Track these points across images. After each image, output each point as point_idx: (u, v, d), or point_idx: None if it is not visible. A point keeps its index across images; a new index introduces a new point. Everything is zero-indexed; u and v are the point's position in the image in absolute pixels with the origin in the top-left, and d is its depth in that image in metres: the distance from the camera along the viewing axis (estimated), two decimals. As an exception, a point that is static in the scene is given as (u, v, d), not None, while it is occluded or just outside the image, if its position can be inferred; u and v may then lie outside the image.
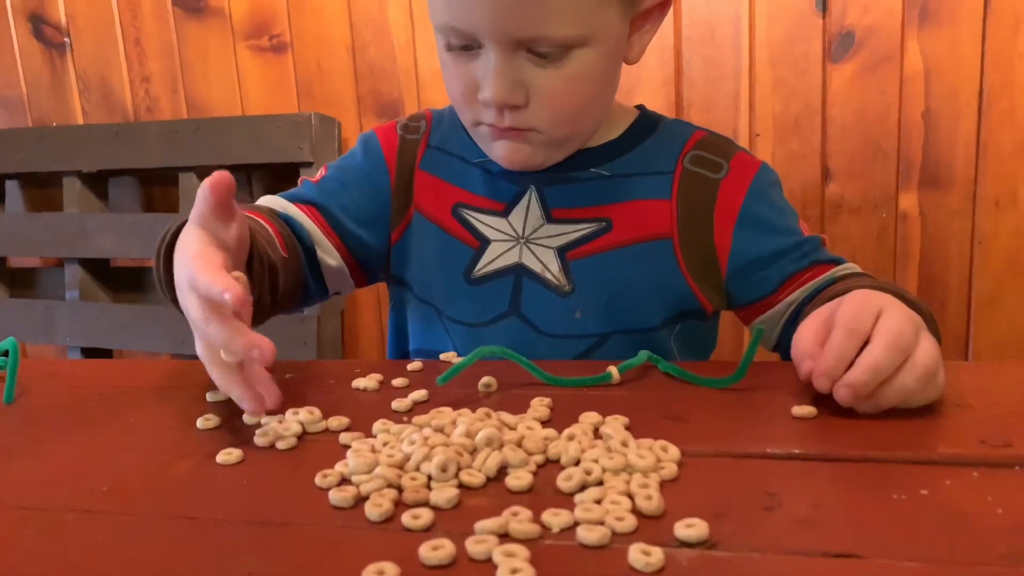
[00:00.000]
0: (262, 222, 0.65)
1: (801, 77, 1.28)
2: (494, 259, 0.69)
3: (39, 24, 1.66)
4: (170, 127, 1.56)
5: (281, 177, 1.58)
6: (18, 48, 1.69)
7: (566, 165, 0.69)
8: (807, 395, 0.50)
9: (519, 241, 0.69)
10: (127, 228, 1.58)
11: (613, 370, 0.55)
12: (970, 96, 1.22)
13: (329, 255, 0.73)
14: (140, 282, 1.66)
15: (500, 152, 0.66)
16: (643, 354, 0.57)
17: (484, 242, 0.70)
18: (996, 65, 1.20)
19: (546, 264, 0.68)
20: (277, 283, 0.62)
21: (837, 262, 0.69)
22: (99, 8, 1.61)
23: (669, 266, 0.68)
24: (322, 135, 1.47)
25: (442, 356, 0.65)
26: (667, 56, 1.32)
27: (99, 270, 1.64)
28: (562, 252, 0.68)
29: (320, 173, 0.77)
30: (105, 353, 1.64)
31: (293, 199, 0.73)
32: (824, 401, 0.48)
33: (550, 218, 0.69)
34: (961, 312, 1.27)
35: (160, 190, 1.67)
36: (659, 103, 1.33)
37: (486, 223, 0.70)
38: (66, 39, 1.65)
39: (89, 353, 1.63)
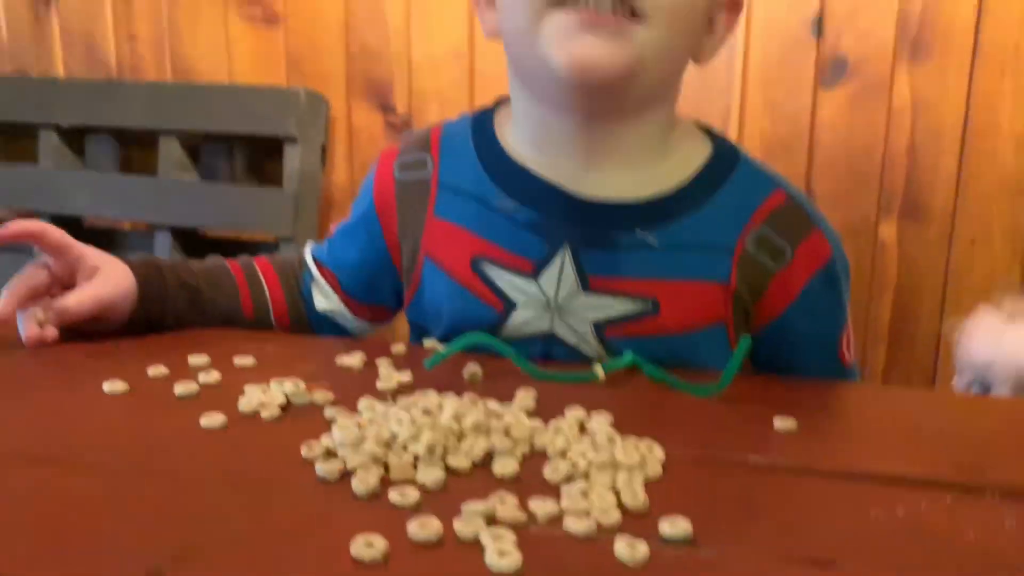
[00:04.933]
0: (234, 280, 0.71)
1: (792, 99, 1.30)
2: (521, 324, 0.63)
3: (27, -30, 1.62)
4: (154, 88, 1.54)
5: (263, 150, 1.56)
6: (3, -7, 1.65)
7: (608, 221, 0.61)
8: (788, 408, 0.51)
9: (550, 308, 0.62)
10: (102, 187, 1.55)
11: (599, 369, 0.56)
12: (954, 135, 1.25)
13: (328, 299, 0.73)
14: (112, 242, 1.63)
15: (578, 47, 0.54)
16: (628, 355, 0.57)
17: (509, 305, 0.62)
18: (981, 106, 1.23)
19: (582, 336, 0.61)
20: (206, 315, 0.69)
21: None
22: (89, -40, 1.58)
23: (721, 351, 0.60)
24: (309, 111, 1.45)
25: (426, 343, 0.65)
26: (663, 66, 1.33)
27: (70, 228, 1.59)
28: (599, 327, 0.61)
29: (332, 228, 0.76)
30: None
31: (316, 257, 0.74)
32: (805, 415, 0.49)
33: (586, 286, 0.61)
34: (930, 345, 1.29)
35: (139, 152, 1.64)
36: (651, 112, 1.34)
37: (512, 283, 0.62)
38: (54, -11, 1.61)
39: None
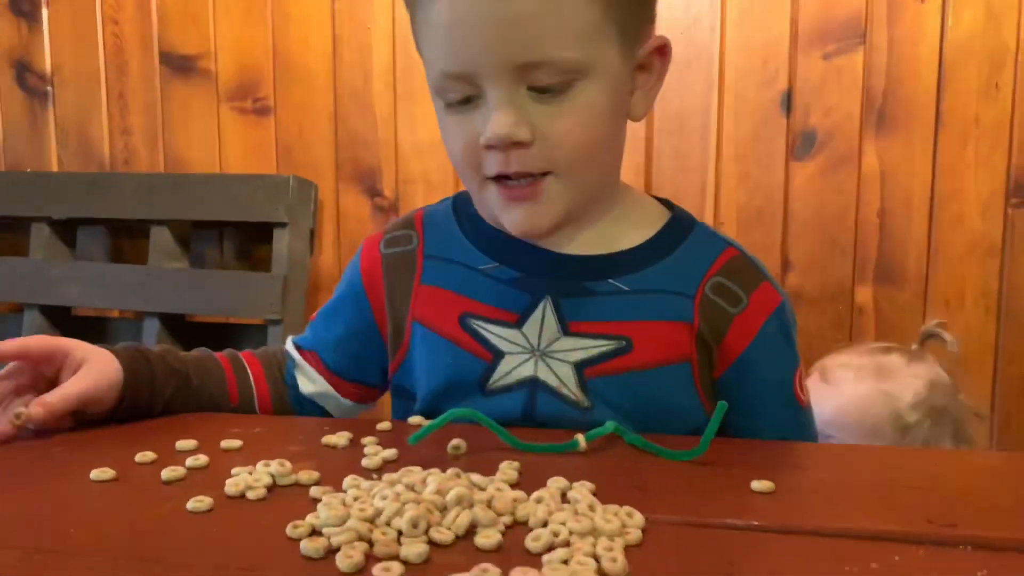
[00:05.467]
0: (222, 367, 0.74)
1: (765, 172, 1.34)
2: (508, 372, 0.67)
3: (23, 72, 1.68)
4: (146, 180, 1.58)
5: (253, 236, 1.59)
6: (-1, 93, 1.70)
7: (582, 272, 0.67)
8: (766, 470, 0.52)
9: (534, 354, 0.66)
10: (92, 277, 1.57)
11: (580, 438, 0.57)
12: (922, 201, 1.29)
13: (313, 383, 0.75)
14: (101, 331, 1.64)
15: (514, 219, 0.64)
16: (609, 424, 0.59)
17: (497, 355, 0.67)
18: (946, 173, 1.28)
19: (563, 379, 0.66)
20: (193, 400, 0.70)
21: None
22: (85, 61, 1.64)
23: (687, 388, 0.67)
24: (299, 197, 1.49)
25: (410, 420, 0.66)
26: (639, 146, 1.38)
27: (59, 318, 1.62)
28: (580, 368, 0.66)
29: (313, 316, 0.79)
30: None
31: (298, 344, 0.77)
32: (782, 476, 0.50)
33: (567, 331, 0.66)
34: (911, 405, 1.31)
35: (130, 242, 1.67)
36: (629, 188, 1.38)
37: (498, 334, 0.67)
38: (49, 88, 1.67)
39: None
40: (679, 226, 0.69)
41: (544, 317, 0.66)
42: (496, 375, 0.67)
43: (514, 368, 0.67)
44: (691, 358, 0.66)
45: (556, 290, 0.67)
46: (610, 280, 0.67)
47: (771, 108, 1.34)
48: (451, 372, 0.68)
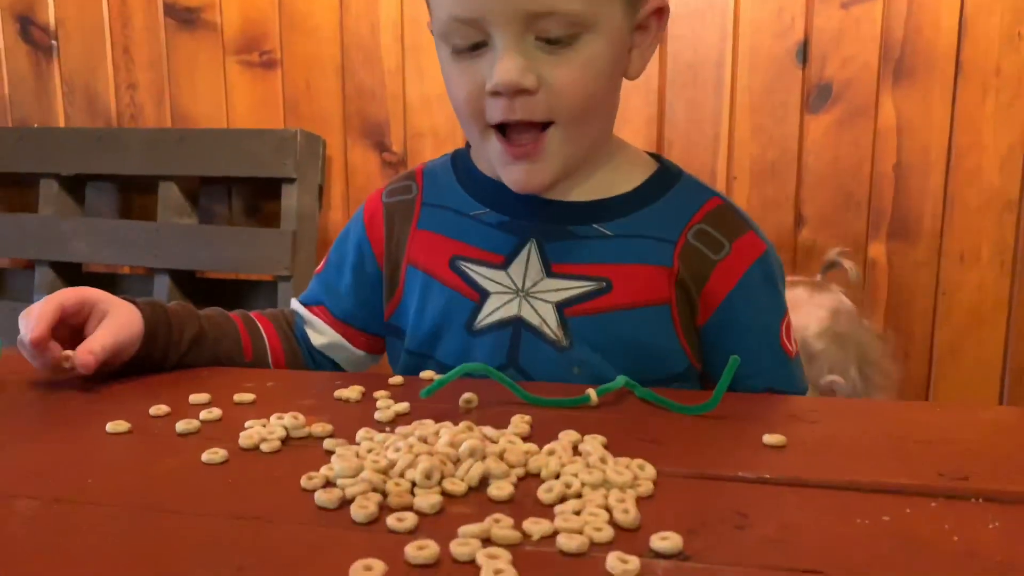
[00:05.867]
0: (235, 324, 0.75)
1: (779, 125, 1.32)
2: (493, 311, 0.69)
3: (27, 25, 1.66)
4: (153, 135, 1.57)
5: (261, 192, 1.59)
6: (3, 48, 1.69)
7: (567, 217, 0.69)
8: (777, 424, 0.52)
9: (518, 294, 0.69)
10: (102, 233, 1.58)
11: (592, 393, 0.57)
12: (939, 153, 1.27)
13: (323, 335, 0.77)
14: (112, 287, 1.63)
15: (514, 176, 0.66)
16: (620, 379, 0.59)
17: (484, 294, 0.69)
18: (965, 126, 1.26)
19: (544, 318, 0.68)
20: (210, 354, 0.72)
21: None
22: (89, 14, 1.62)
23: (666, 330, 0.68)
24: (307, 152, 1.48)
25: (423, 374, 0.66)
26: (651, 97, 1.36)
27: (70, 274, 1.63)
28: (561, 308, 0.68)
29: (322, 263, 0.80)
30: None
31: (305, 302, 0.79)
32: (794, 430, 0.50)
33: (549, 272, 0.68)
34: (923, 360, 1.30)
35: (139, 197, 1.66)
36: (641, 142, 1.37)
37: (485, 275, 0.70)
38: (53, 42, 1.65)
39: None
40: (666, 176, 0.72)
41: (529, 259, 0.69)
42: (482, 314, 0.69)
43: (499, 307, 0.69)
44: (670, 301, 0.68)
45: (541, 233, 0.69)
46: (594, 225, 0.69)
47: (786, 59, 1.31)
48: (441, 312, 0.71)
